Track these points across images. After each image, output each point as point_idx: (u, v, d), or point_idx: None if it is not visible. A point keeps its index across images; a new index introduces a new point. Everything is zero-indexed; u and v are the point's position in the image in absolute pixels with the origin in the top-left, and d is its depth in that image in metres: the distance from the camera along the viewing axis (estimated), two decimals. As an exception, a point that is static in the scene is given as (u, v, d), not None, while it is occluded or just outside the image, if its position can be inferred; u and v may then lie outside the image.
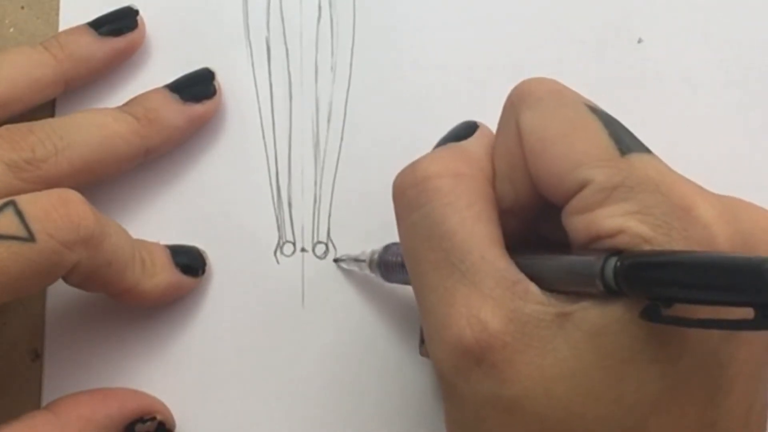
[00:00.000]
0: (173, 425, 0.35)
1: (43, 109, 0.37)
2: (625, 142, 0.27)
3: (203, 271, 0.37)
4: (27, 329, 0.36)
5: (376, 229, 0.37)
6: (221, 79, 0.38)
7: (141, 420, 0.34)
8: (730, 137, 0.38)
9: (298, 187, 0.38)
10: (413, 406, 0.36)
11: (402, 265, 0.33)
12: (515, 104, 0.29)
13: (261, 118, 0.39)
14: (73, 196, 0.31)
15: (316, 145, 0.38)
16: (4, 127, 0.34)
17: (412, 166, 0.30)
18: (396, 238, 0.31)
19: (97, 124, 0.35)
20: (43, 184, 0.33)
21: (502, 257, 0.28)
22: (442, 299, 0.27)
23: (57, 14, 0.39)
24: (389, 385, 0.36)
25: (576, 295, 0.26)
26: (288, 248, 0.37)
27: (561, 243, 0.29)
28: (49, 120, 0.35)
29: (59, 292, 0.36)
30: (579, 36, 0.39)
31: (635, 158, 0.27)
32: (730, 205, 0.27)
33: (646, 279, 0.25)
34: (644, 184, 0.26)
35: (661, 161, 0.28)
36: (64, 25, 0.39)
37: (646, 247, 0.26)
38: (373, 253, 0.35)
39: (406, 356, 0.36)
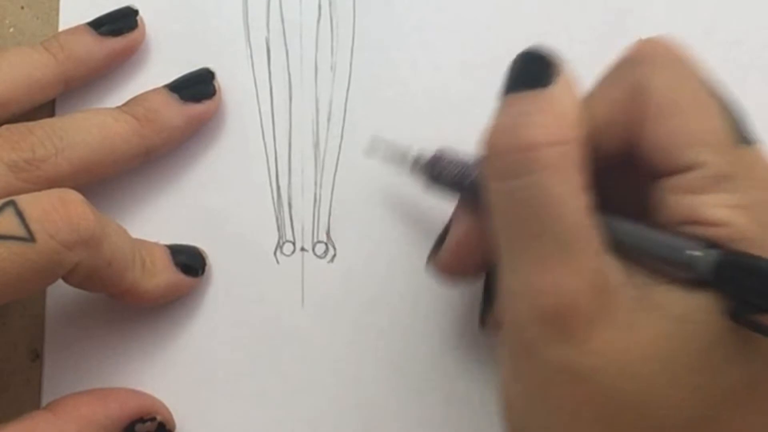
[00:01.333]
0: (173, 426, 0.35)
1: (43, 108, 0.37)
2: (741, 131, 0.27)
3: (203, 271, 0.36)
4: (27, 329, 0.36)
5: (377, 228, 0.37)
6: (221, 79, 0.38)
7: (141, 420, 0.34)
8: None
9: (297, 187, 0.38)
10: (414, 406, 0.36)
11: (456, 179, 0.33)
12: (637, 62, 0.29)
13: (261, 118, 0.39)
14: (73, 196, 0.31)
15: (316, 144, 0.38)
16: (4, 127, 0.34)
17: (513, 130, 0.28)
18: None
19: (97, 124, 0.35)
20: (42, 184, 0.33)
21: (595, 228, 0.27)
22: (536, 265, 0.27)
23: (57, 14, 0.39)
24: (389, 385, 0.36)
25: (654, 274, 0.26)
26: (288, 248, 0.37)
27: (619, 203, 0.29)
28: (49, 120, 0.35)
29: (59, 292, 0.36)
30: (579, 36, 0.39)
31: (748, 151, 0.27)
32: None
33: (743, 282, 0.25)
34: (755, 178, 0.26)
35: None
36: (64, 26, 0.39)
37: (745, 244, 0.26)
38: (421, 154, 0.35)
39: (406, 356, 0.36)
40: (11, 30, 0.40)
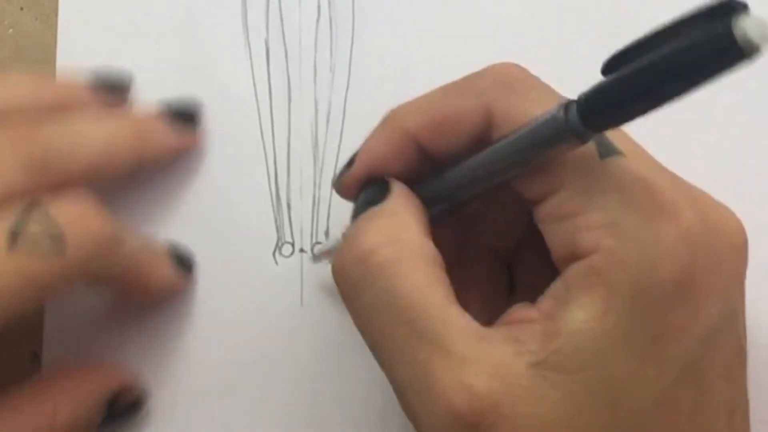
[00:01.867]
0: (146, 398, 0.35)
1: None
2: (607, 144, 0.27)
3: (192, 268, 0.36)
4: (25, 330, 0.36)
5: (375, 229, 0.37)
6: (220, 79, 0.38)
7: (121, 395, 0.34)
8: (730, 137, 0.38)
9: (296, 188, 0.38)
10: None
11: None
12: (491, 83, 0.29)
13: (260, 118, 0.39)
14: (95, 203, 0.31)
15: (315, 145, 0.38)
16: (11, 121, 0.33)
17: (349, 246, 0.29)
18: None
19: (102, 127, 0.34)
20: (55, 183, 0.32)
21: (462, 315, 0.27)
22: (420, 373, 0.26)
23: (56, 15, 0.40)
24: (389, 385, 0.36)
25: (534, 329, 0.26)
26: (287, 249, 0.37)
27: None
28: (56, 117, 0.34)
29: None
30: (578, 36, 0.39)
31: (616, 161, 0.27)
32: (701, 206, 0.27)
33: (608, 101, 0.25)
34: (623, 192, 0.26)
35: (637, 165, 0.27)
36: (62, 27, 0.39)
37: (621, 266, 0.26)
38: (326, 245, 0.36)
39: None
40: (10, 31, 0.40)
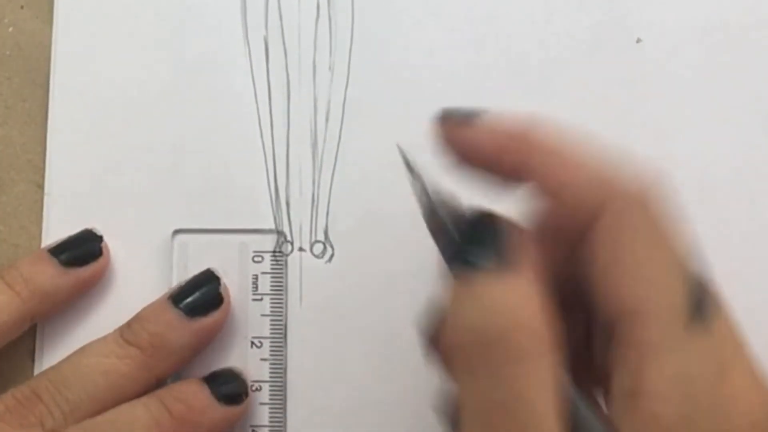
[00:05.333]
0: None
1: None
2: (702, 307, 0.25)
3: (247, 394, 0.35)
4: (25, 331, 0.36)
5: (374, 228, 0.37)
6: (219, 78, 0.38)
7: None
8: (729, 137, 0.38)
9: (296, 187, 0.38)
10: (414, 406, 0.36)
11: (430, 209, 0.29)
12: (594, 194, 0.26)
13: (259, 117, 0.39)
14: None
15: (314, 144, 0.38)
16: (9, 393, 0.33)
17: (476, 321, 0.25)
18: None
19: (102, 370, 0.34)
20: None
21: (556, 422, 0.25)
22: None
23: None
24: (388, 385, 0.36)
25: None
26: (286, 248, 0.37)
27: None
28: (53, 375, 0.34)
29: (58, 291, 0.36)
30: (578, 36, 0.39)
31: (703, 329, 0.25)
32: None
33: None
34: (697, 358, 0.25)
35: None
36: (58, 25, 0.39)
37: (682, 422, 0.24)
38: (435, 191, 0.29)
39: (406, 356, 0.36)
40: (10, 29, 0.40)
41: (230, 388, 0.35)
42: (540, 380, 0.25)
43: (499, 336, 0.25)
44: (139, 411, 0.33)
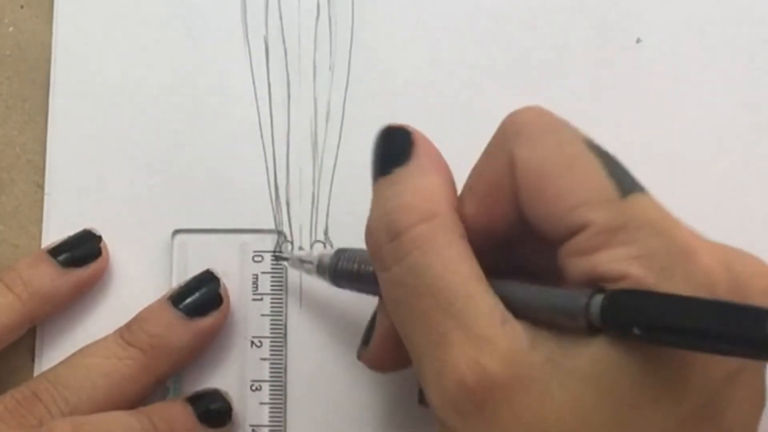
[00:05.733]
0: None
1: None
2: (624, 181, 0.27)
3: (230, 417, 0.35)
4: (25, 331, 0.36)
5: (374, 228, 0.37)
6: (220, 77, 0.38)
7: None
8: (729, 137, 0.38)
9: (296, 187, 0.38)
10: (412, 407, 0.36)
11: (358, 273, 0.33)
12: (508, 135, 0.29)
13: (259, 117, 0.39)
14: None
15: (314, 144, 0.38)
16: (8, 394, 0.33)
17: (381, 222, 0.29)
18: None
19: (102, 371, 0.34)
20: None
21: (488, 293, 0.27)
22: (437, 345, 0.27)
23: (56, 13, 0.40)
24: (388, 385, 0.36)
25: (559, 331, 0.26)
26: (286, 247, 0.37)
27: (535, 270, 0.29)
28: (52, 376, 0.34)
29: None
30: (578, 36, 0.39)
31: (636, 199, 0.26)
32: (725, 250, 0.27)
33: (631, 318, 0.24)
34: (646, 226, 0.26)
35: (658, 202, 0.27)
36: (58, 25, 0.39)
37: None
38: (322, 256, 0.35)
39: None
40: (11, 29, 0.40)
41: (214, 409, 0.35)
42: (445, 260, 0.27)
43: (399, 229, 0.28)
44: (133, 420, 0.33)
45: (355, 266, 0.33)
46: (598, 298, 0.25)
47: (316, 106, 0.39)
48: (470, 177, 0.30)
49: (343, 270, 0.34)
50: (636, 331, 0.24)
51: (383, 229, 0.29)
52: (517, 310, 0.27)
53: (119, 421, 0.33)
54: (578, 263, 0.26)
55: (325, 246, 0.38)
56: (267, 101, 0.39)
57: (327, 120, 0.39)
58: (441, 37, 0.39)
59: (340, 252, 0.34)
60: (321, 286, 0.37)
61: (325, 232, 0.38)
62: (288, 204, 0.38)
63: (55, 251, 0.36)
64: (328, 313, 0.37)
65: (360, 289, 0.33)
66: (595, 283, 0.26)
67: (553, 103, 0.38)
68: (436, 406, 0.27)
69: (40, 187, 0.38)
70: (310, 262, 0.35)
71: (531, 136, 0.28)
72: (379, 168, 0.31)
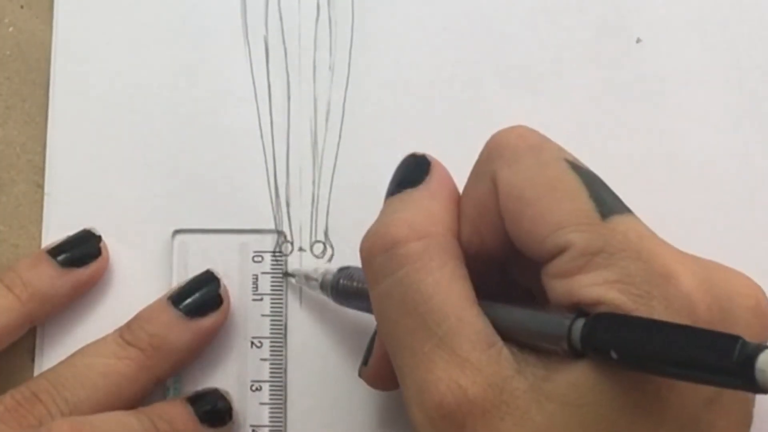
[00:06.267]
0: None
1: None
2: (606, 203, 0.27)
3: (230, 416, 0.35)
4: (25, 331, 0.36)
5: (374, 229, 0.37)
6: (219, 77, 0.38)
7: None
8: (729, 137, 0.38)
9: (296, 187, 0.38)
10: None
11: (357, 291, 0.33)
12: (492, 157, 0.29)
13: (259, 117, 0.39)
14: None
15: (314, 144, 0.38)
16: (8, 394, 0.33)
17: (379, 232, 0.29)
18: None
19: (101, 371, 0.34)
20: None
21: (477, 317, 0.27)
22: (421, 364, 0.27)
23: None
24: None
25: (546, 355, 0.26)
26: (286, 248, 0.37)
27: (530, 288, 0.29)
28: (52, 376, 0.34)
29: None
30: (577, 36, 0.39)
31: (616, 221, 0.26)
32: (708, 270, 0.26)
33: (608, 342, 0.24)
34: (625, 250, 0.26)
35: (641, 223, 0.27)
36: (58, 25, 0.39)
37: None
38: (326, 273, 0.35)
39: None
40: (11, 29, 0.40)
41: (215, 409, 0.35)
42: (436, 278, 0.27)
43: (394, 241, 0.28)
44: (133, 420, 0.33)
45: (355, 284, 0.34)
46: (580, 323, 0.25)
47: (316, 106, 0.39)
48: (461, 201, 0.30)
49: (343, 288, 0.34)
50: (613, 355, 0.24)
51: (378, 239, 0.29)
52: (507, 332, 0.27)
53: (119, 421, 0.33)
54: (558, 286, 0.26)
55: (325, 246, 0.38)
56: (267, 101, 0.39)
57: (327, 120, 0.39)
58: (441, 36, 0.39)
59: (342, 270, 0.34)
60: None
61: (325, 232, 0.38)
62: (288, 204, 0.38)
63: (54, 251, 0.36)
64: (328, 313, 0.37)
65: (359, 307, 0.34)
66: (577, 307, 0.26)
67: (553, 103, 0.38)
68: (416, 424, 0.27)
69: (40, 187, 0.38)
70: (315, 279, 0.35)
71: (512, 157, 0.28)
72: (391, 188, 0.31)
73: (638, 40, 0.39)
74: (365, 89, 0.39)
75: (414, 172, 0.31)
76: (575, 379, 0.25)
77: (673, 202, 0.37)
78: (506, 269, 0.31)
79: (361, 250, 0.30)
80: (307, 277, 0.36)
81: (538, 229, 0.27)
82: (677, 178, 0.38)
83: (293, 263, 0.37)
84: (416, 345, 0.27)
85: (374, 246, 0.29)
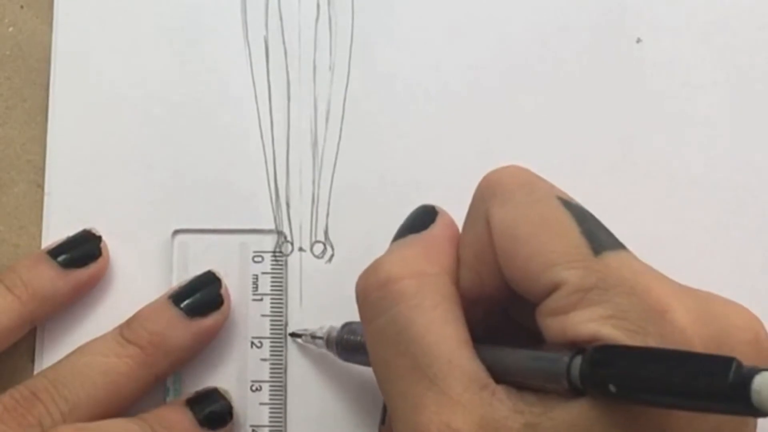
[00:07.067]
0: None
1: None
2: (598, 239, 0.27)
3: (231, 416, 0.35)
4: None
5: (374, 228, 0.37)
6: (220, 77, 0.38)
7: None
8: (728, 137, 0.38)
9: (296, 187, 0.38)
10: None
11: (361, 345, 0.32)
12: (485, 197, 0.29)
13: (259, 117, 0.39)
14: None
15: (314, 144, 0.38)
16: (7, 393, 0.33)
17: (375, 268, 0.29)
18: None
19: (101, 369, 0.34)
20: None
21: (470, 359, 0.27)
22: (411, 406, 0.27)
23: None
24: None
25: (545, 394, 0.26)
26: (286, 248, 0.37)
27: (531, 328, 0.28)
28: (51, 374, 0.34)
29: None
30: (578, 36, 0.39)
31: (609, 257, 0.26)
32: (705, 303, 0.26)
33: (605, 376, 0.24)
34: (619, 285, 0.25)
35: (635, 258, 0.27)
36: (58, 25, 0.39)
37: None
38: (330, 330, 0.35)
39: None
40: (10, 29, 0.40)
41: (214, 412, 0.35)
42: (429, 318, 0.27)
43: (388, 278, 0.28)
44: (134, 427, 0.33)
45: (358, 338, 0.33)
46: (578, 360, 0.25)
47: (316, 106, 0.39)
48: (459, 245, 0.30)
49: (347, 343, 0.34)
50: (612, 389, 0.24)
51: (373, 275, 0.29)
52: (505, 374, 0.27)
53: (121, 428, 0.33)
54: (553, 324, 0.26)
55: (325, 246, 0.38)
56: (267, 101, 0.39)
57: (327, 120, 0.39)
58: (441, 36, 0.39)
59: (345, 325, 0.34)
60: (321, 287, 0.37)
61: (325, 232, 0.38)
62: (288, 204, 0.38)
63: (54, 252, 0.36)
64: (329, 313, 0.37)
65: (364, 362, 0.33)
66: (573, 345, 0.26)
67: (553, 103, 0.38)
68: None
69: (40, 187, 0.38)
70: (321, 338, 0.35)
71: (504, 195, 0.28)
72: (397, 234, 0.32)
73: (638, 40, 0.39)
74: (365, 89, 0.39)
75: (420, 219, 0.31)
76: (575, 416, 0.25)
77: (672, 202, 0.37)
78: (509, 312, 0.31)
79: (357, 288, 0.30)
80: (314, 336, 0.36)
81: (531, 267, 0.27)
82: (677, 177, 0.38)
83: (293, 264, 0.37)
84: (407, 386, 0.27)
85: (369, 283, 0.29)
